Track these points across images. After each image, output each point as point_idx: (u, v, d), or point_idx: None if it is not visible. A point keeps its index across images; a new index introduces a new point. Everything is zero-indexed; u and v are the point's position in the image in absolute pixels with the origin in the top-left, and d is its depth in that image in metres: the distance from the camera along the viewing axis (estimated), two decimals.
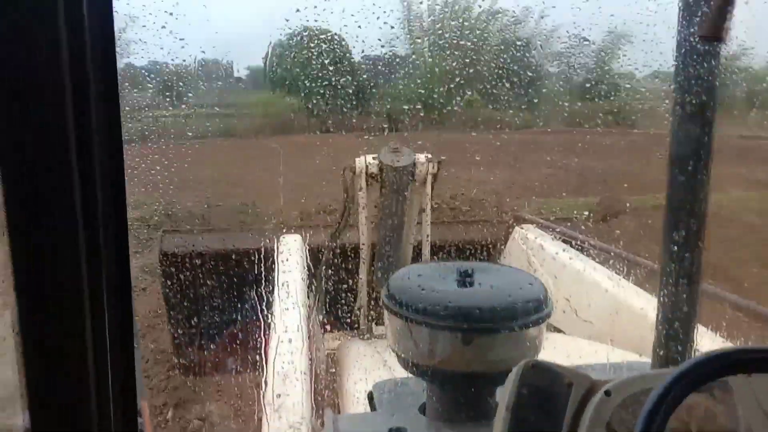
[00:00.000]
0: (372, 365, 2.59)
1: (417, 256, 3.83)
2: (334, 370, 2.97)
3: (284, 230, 3.80)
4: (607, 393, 0.89)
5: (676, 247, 1.21)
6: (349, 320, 3.79)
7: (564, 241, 3.83)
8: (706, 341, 2.01)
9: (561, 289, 3.15)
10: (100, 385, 0.71)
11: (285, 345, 2.02)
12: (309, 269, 3.26)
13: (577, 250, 3.72)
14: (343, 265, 3.77)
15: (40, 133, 0.62)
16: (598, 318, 2.88)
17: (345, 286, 3.76)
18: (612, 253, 3.38)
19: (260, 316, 2.18)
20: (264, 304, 2.29)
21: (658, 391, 0.76)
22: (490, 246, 4.29)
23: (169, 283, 3.98)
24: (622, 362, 1.83)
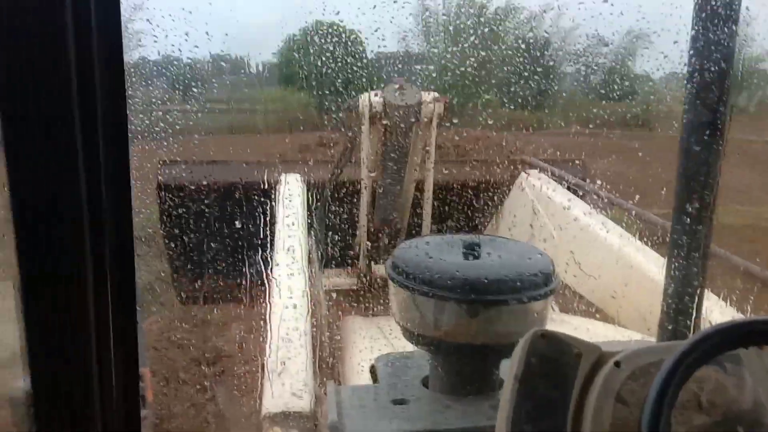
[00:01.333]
0: (374, 340, 2.58)
1: (418, 196, 3.80)
2: (336, 336, 2.97)
3: (283, 165, 3.73)
4: (617, 364, 0.87)
5: (688, 219, 1.19)
6: (347, 258, 3.79)
7: (572, 191, 3.75)
8: (715, 309, 1.99)
9: (565, 241, 3.10)
10: (101, 349, 0.71)
11: (290, 311, 2.02)
12: (309, 210, 3.23)
13: (580, 197, 3.64)
14: (344, 202, 3.75)
15: (46, 128, 0.62)
16: (603, 275, 2.84)
17: (345, 223, 3.75)
18: (625, 209, 3.31)
19: (264, 279, 2.18)
20: (268, 265, 2.28)
21: (670, 362, 0.75)
22: (495, 188, 4.21)
23: (169, 227, 3.90)
24: (628, 339, 1.82)
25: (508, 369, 0.91)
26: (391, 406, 1.39)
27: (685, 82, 1.18)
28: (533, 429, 0.86)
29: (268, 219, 2.87)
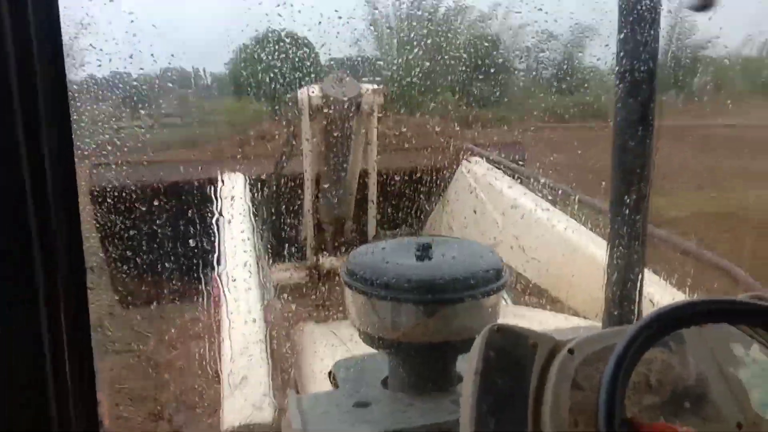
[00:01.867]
0: (333, 348, 2.59)
1: (362, 187, 3.82)
2: (294, 345, 2.95)
3: (224, 164, 3.68)
4: (571, 351, 0.92)
5: (627, 210, 1.26)
6: (296, 252, 3.79)
7: (514, 177, 3.83)
8: (656, 290, 2.09)
9: (510, 228, 3.18)
10: (58, 379, 0.70)
11: (249, 326, 2.00)
12: (254, 212, 3.19)
13: (521, 183, 3.72)
14: (289, 196, 3.75)
15: None
16: (550, 259, 2.91)
17: (291, 218, 3.75)
18: (561, 191, 3.40)
19: (216, 293, 2.16)
20: (221, 278, 2.26)
21: (620, 347, 0.79)
22: (438, 176, 4.25)
23: (106, 236, 3.74)
24: (578, 326, 1.90)
25: (467, 365, 0.94)
26: (353, 410, 1.40)
27: (616, 81, 1.25)
28: (496, 421, 0.89)
29: (213, 228, 2.81)
